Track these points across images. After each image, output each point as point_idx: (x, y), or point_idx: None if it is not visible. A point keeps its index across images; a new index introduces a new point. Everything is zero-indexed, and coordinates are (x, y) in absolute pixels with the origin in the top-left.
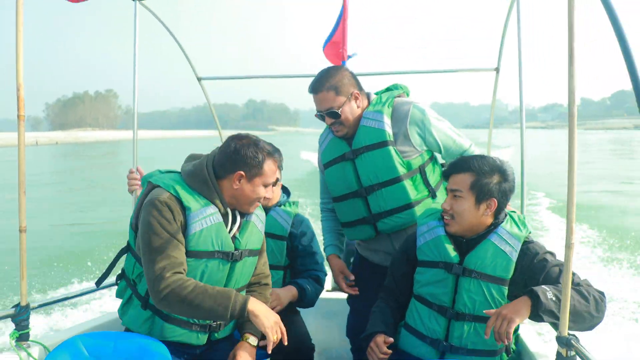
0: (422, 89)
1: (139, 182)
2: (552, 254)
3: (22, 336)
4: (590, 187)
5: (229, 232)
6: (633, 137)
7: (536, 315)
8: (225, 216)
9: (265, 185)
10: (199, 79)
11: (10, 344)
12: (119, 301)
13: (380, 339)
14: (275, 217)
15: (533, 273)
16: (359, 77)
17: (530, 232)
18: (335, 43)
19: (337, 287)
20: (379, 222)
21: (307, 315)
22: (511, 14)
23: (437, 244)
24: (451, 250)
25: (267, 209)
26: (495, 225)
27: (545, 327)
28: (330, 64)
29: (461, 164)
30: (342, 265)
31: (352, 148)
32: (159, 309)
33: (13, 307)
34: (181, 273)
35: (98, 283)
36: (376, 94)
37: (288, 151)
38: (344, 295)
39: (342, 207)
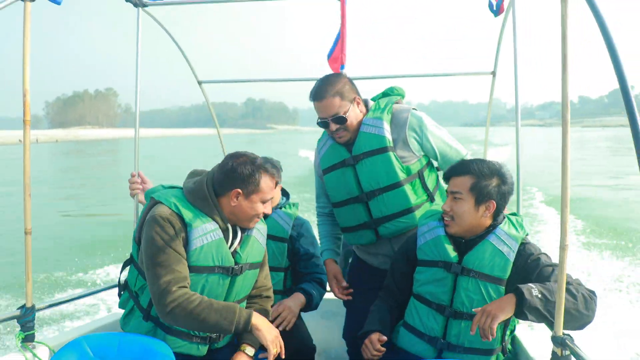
0: (421, 88)
1: (140, 186)
2: (546, 255)
3: (27, 337)
4: (582, 181)
5: (230, 247)
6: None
7: (521, 312)
8: (225, 231)
9: (264, 202)
10: (200, 83)
11: (16, 345)
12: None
13: (375, 336)
14: (276, 219)
15: (527, 273)
16: (355, 81)
17: (527, 234)
18: (334, 58)
19: None
20: (380, 226)
21: (307, 316)
22: (507, 19)
23: (437, 244)
24: (451, 250)
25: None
26: (493, 226)
27: (541, 327)
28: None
29: (461, 167)
30: (337, 271)
31: (352, 154)
32: (160, 321)
33: (18, 308)
34: (186, 287)
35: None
36: (373, 99)
37: (287, 149)
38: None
39: (342, 213)
